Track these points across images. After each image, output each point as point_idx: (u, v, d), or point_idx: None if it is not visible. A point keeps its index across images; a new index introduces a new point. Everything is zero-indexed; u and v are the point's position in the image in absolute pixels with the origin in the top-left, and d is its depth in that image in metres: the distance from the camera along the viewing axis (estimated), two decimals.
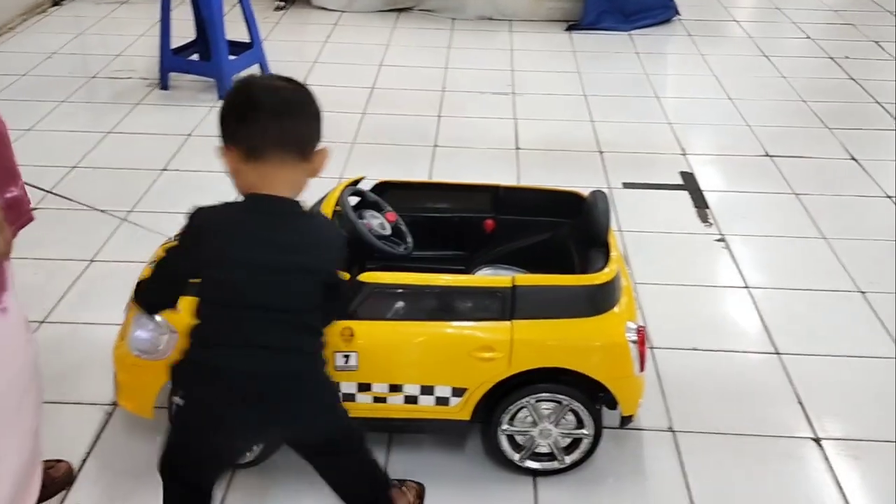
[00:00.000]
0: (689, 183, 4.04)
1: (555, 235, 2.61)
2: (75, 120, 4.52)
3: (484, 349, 2.16)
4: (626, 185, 4.00)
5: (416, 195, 2.72)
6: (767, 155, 4.35)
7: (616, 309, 2.22)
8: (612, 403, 2.29)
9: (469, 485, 2.33)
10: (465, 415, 2.26)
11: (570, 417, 2.27)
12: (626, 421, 2.34)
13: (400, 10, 6.50)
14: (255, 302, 1.66)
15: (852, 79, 5.42)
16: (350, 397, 2.22)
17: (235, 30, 4.96)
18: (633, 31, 6.16)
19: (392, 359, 2.20)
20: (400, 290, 2.18)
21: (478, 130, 4.52)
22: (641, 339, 2.21)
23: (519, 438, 2.31)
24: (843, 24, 6.53)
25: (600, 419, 2.28)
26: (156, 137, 4.33)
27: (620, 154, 4.31)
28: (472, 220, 2.69)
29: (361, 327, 2.15)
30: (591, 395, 2.25)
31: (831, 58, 5.79)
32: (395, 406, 2.25)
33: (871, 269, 3.35)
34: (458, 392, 2.22)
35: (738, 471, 2.40)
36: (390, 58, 5.59)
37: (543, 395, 2.22)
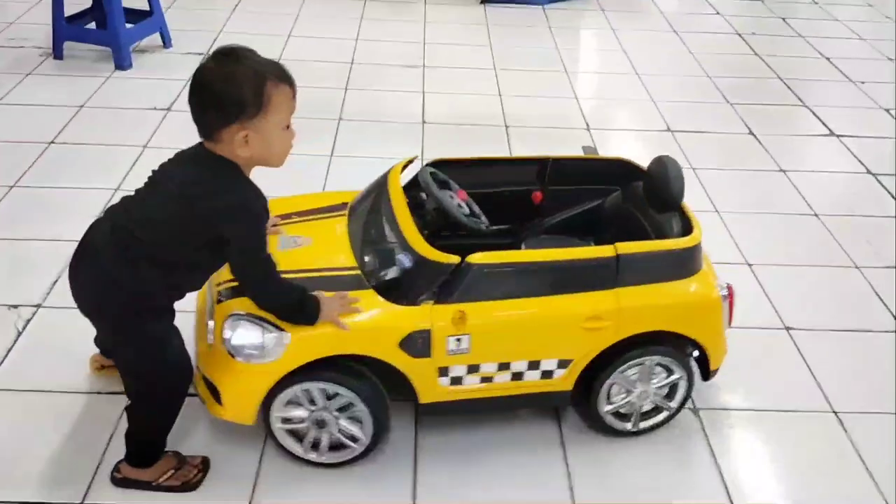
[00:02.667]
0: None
1: (606, 203, 2.67)
2: None
3: (593, 319, 2.20)
4: None
5: (466, 171, 2.65)
6: (669, 130, 4.42)
7: (705, 268, 2.33)
8: (699, 361, 2.41)
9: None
10: (568, 385, 2.32)
11: (659, 370, 2.35)
12: (710, 375, 2.44)
13: None
14: None
15: (756, 54, 5.53)
16: (458, 380, 2.22)
17: None
18: (547, 6, 6.16)
19: (503, 338, 2.21)
20: (508, 269, 2.18)
21: (385, 104, 4.46)
22: (731, 294, 2.33)
23: (624, 410, 2.39)
24: (754, 1, 6.65)
25: (689, 366, 2.36)
26: (46, 109, 4.15)
27: (526, 128, 4.31)
28: (521, 193, 2.71)
29: (472, 309, 2.13)
30: (681, 350, 2.34)
31: (739, 34, 5.90)
32: (501, 384, 2.27)
33: (761, 243, 3.44)
34: (563, 364, 2.27)
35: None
36: (300, 28, 5.47)
37: (642, 358, 2.28)
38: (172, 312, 2.08)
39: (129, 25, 4.66)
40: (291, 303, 2.04)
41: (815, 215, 3.67)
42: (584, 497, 2.26)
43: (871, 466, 2.41)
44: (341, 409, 2.18)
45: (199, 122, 1.87)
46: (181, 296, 2.09)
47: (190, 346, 2.16)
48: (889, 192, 3.89)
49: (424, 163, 2.57)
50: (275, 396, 2.14)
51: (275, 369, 2.08)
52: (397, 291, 2.14)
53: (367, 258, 2.26)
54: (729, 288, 2.32)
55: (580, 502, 2.25)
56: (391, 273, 2.18)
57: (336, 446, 2.25)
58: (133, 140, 3.90)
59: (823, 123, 4.58)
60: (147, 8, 4.82)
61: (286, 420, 2.19)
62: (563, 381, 2.29)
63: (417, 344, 2.11)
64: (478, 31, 5.66)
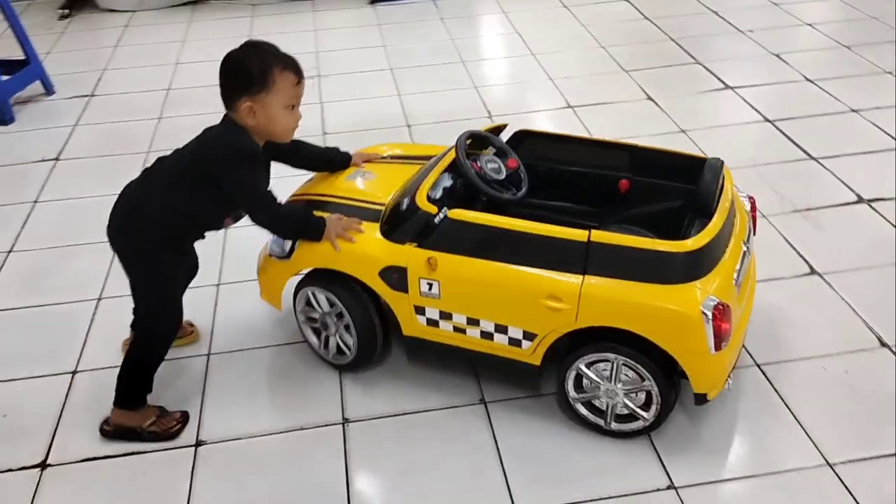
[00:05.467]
0: None
1: (684, 203, 2.53)
2: None
3: (552, 298, 2.21)
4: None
5: (555, 147, 2.75)
6: (569, 106, 4.42)
7: (697, 282, 2.13)
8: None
9: None
10: (536, 360, 2.36)
11: (641, 396, 2.29)
12: (699, 399, 2.27)
13: (195, 3, 6.21)
14: None
15: (647, 18, 5.59)
16: (434, 322, 2.42)
17: (10, 47, 4.58)
18: None
19: (469, 292, 2.33)
20: (480, 229, 2.27)
21: None
22: (718, 315, 2.09)
23: (585, 382, 2.36)
24: None
25: (667, 409, 2.27)
26: None
27: (428, 125, 4.27)
28: (607, 178, 2.67)
29: (444, 259, 2.30)
30: (668, 369, 2.23)
31: (628, 1, 5.95)
32: (474, 339, 2.40)
33: None
34: (528, 336, 2.31)
35: None
36: (187, 54, 5.32)
37: (625, 359, 2.23)
38: (186, 254, 2.55)
39: (4, 78, 4.48)
40: (295, 227, 2.48)
41: None
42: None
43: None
44: (339, 317, 2.55)
45: (221, 95, 2.29)
46: (195, 234, 2.51)
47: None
48: (788, 138, 3.97)
49: (513, 132, 2.74)
50: (297, 296, 2.61)
51: (288, 267, 2.56)
52: (390, 229, 2.41)
53: (393, 198, 2.52)
54: (717, 309, 2.09)
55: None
56: (394, 213, 2.44)
57: (340, 351, 2.64)
58: (23, 196, 3.74)
59: (718, 78, 4.64)
60: (23, 57, 4.63)
61: (308, 319, 2.65)
62: (531, 354, 2.34)
63: (394, 278, 2.37)
64: (370, 33, 5.59)
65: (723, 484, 2.24)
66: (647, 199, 2.62)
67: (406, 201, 2.40)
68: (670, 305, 2.11)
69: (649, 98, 4.46)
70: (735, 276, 2.24)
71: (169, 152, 2.40)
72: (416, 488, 2.29)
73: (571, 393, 2.38)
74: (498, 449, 2.38)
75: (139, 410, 2.47)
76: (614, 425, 2.36)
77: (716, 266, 2.18)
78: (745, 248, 2.35)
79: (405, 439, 2.44)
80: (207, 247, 2.69)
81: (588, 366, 2.30)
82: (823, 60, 4.79)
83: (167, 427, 2.49)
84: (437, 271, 2.31)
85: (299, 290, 2.61)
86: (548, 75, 4.82)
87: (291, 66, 2.27)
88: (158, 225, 2.34)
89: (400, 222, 2.39)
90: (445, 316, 2.39)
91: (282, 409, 2.59)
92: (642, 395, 2.29)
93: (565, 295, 2.18)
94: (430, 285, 2.34)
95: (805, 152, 3.82)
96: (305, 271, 2.59)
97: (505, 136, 2.72)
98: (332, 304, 2.55)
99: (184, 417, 2.55)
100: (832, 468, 2.26)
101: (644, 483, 2.25)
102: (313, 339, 2.69)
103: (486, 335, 2.37)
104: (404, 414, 2.52)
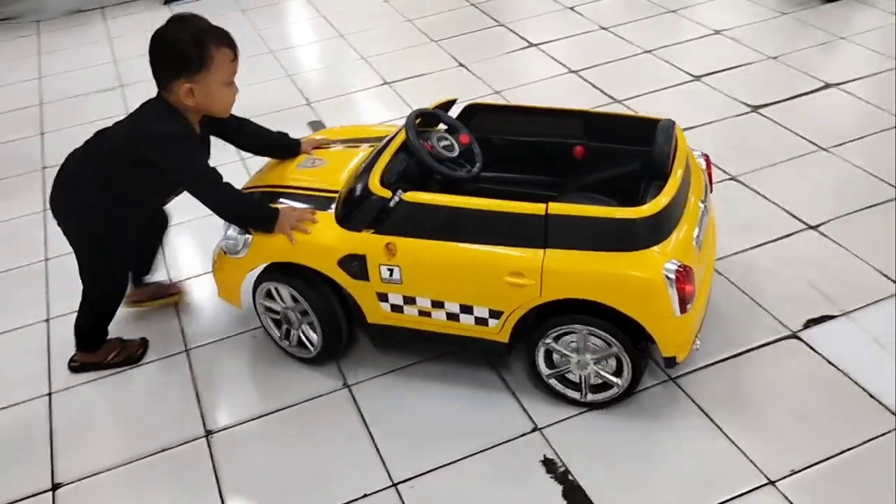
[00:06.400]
0: (320, 130, 4.02)
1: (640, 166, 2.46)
2: None
3: (515, 274, 2.17)
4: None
5: (507, 119, 2.68)
6: (386, 83, 4.46)
7: (656, 247, 2.10)
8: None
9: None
10: (504, 337, 2.33)
11: (612, 362, 2.28)
12: (668, 363, 2.26)
13: None
14: None
15: None
16: (398, 308, 2.37)
17: None
18: None
19: (431, 276, 2.28)
20: (437, 210, 2.22)
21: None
22: (681, 278, 2.07)
23: (555, 357, 2.34)
24: None
25: (640, 372, 2.27)
26: None
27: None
28: (562, 146, 2.61)
29: (403, 243, 2.25)
30: (635, 340, 2.21)
31: None
32: (440, 321, 2.35)
33: None
34: (494, 314, 2.28)
35: None
36: None
37: (591, 328, 2.21)
38: (129, 228, 2.50)
39: None
40: (244, 211, 2.42)
41: None
42: None
43: None
44: (303, 314, 2.49)
45: (154, 75, 2.24)
46: (135, 209, 2.49)
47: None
48: (593, 85, 4.19)
49: (463, 105, 2.69)
50: (257, 288, 2.54)
51: (243, 263, 2.48)
52: (345, 216, 2.35)
53: (347, 184, 2.45)
54: (679, 272, 2.07)
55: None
56: (349, 199, 2.37)
57: (302, 344, 2.58)
58: None
59: (521, 37, 4.81)
60: None
61: (267, 309, 2.58)
62: (499, 331, 2.32)
63: (354, 266, 2.32)
64: None
65: (581, 415, 2.38)
66: (604, 165, 2.57)
67: (360, 187, 2.33)
68: (632, 272, 2.09)
69: (461, 65, 4.57)
70: (695, 236, 2.23)
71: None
72: (293, 481, 2.28)
73: (544, 370, 2.36)
74: (368, 429, 2.41)
75: (99, 350, 2.68)
76: (590, 396, 2.35)
77: (675, 228, 2.16)
78: (702, 207, 2.33)
79: (273, 438, 2.42)
80: None
81: (556, 339, 2.29)
82: (613, 8, 5.07)
83: (130, 354, 2.71)
84: (397, 256, 2.26)
85: (259, 284, 2.53)
86: (360, 55, 4.82)
87: (226, 41, 2.23)
88: (97, 203, 2.38)
89: (355, 209, 2.32)
90: (409, 301, 2.34)
91: (134, 437, 2.49)
92: (613, 363, 2.28)
93: (527, 270, 2.15)
94: (391, 271, 2.29)
95: (610, 97, 4.05)
96: (262, 266, 2.51)
97: (454, 112, 2.66)
98: (295, 300, 2.48)
99: (143, 343, 2.75)
100: (674, 381, 2.45)
101: (511, 431, 2.35)
102: (274, 330, 2.63)
103: (452, 316, 2.33)
104: (269, 414, 2.49)
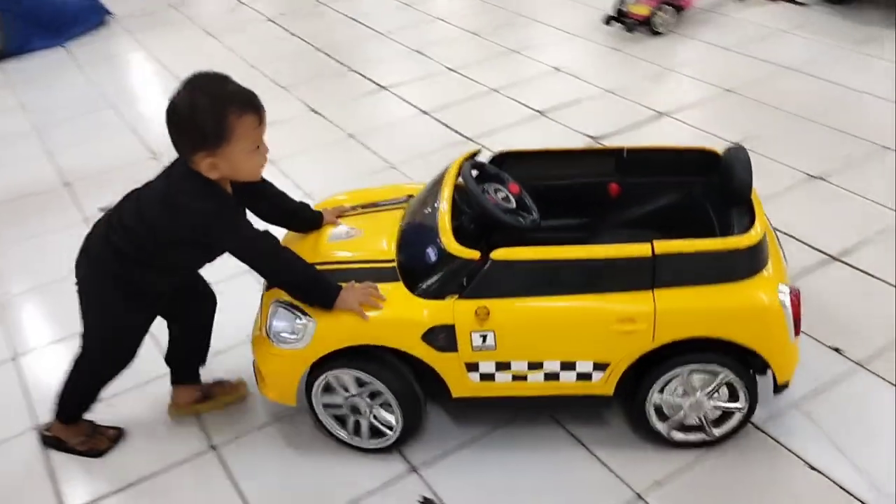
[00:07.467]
0: None
1: (687, 196, 2.45)
2: None
3: (624, 321, 2.06)
4: (104, 210, 3.72)
5: (536, 164, 2.57)
6: None
7: (765, 272, 2.08)
8: (764, 368, 2.18)
9: None
10: (608, 389, 2.20)
11: (724, 391, 2.19)
12: (780, 389, 2.21)
13: None
14: None
15: (295, 35, 5.70)
16: (489, 377, 2.19)
17: None
18: (68, 43, 5.73)
19: (530, 336, 2.13)
20: (532, 265, 2.08)
21: None
22: (795, 301, 2.06)
23: (666, 410, 2.23)
24: None
25: (755, 390, 2.19)
26: None
27: (91, 180, 4.01)
28: (596, 186, 2.54)
29: (496, 306, 2.09)
30: (743, 362, 2.14)
31: (272, 20, 6.02)
32: (536, 384, 2.20)
33: None
34: (599, 367, 2.15)
35: None
36: None
37: (694, 365, 2.12)
38: (148, 304, 2.26)
39: None
40: (301, 281, 2.16)
41: (392, 167, 3.92)
42: None
43: None
44: (373, 397, 2.25)
45: (174, 146, 2.03)
46: (165, 283, 2.24)
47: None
48: (444, 125, 4.28)
49: (489, 157, 2.56)
50: (314, 381, 2.24)
51: (306, 355, 2.19)
52: (423, 285, 2.15)
53: (404, 251, 2.28)
54: (793, 292, 2.09)
55: None
56: (420, 266, 2.18)
57: (377, 433, 2.33)
58: None
59: (372, 81, 4.88)
60: None
61: (327, 405, 2.30)
62: (603, 384, 2.19)
63: (440, 338, 2.13)
64: (1, 94, 5.08)
65: (455, 453, 2.38)
66: (640, 200, 2.55)
67: (432, 252, 2.16)
68: (750, 301, 2.07)
69: (313, 111, 4.57)
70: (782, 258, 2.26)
71: None
72: None
73: (662, 427, 2.26)
74: (240, 491, 2.32)
75: (70, 426, 2.45)
76: (716, 431, 2.27)
77: (770, 253, 2.17)
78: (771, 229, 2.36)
79: None
80: None
81: (660, 392, 2.20)
82: (458, 49, 5.24)
83: (94, 445, 2.47)
84: (490, 321, 2.09)
85: (314, 379, 2.24)
86: None
87: (249, 105, 1.99)
88: (120, 275, 2.16)
89: (432, 276, 2.14)
90: (503, 367, 2.17)
91: None
92: (725, 391, 2.21)
93: (639, 315, 2.06)
94: (484, 337, 2.11)
95: (461, 135, 4.16)
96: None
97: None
98: (361, 384, 2.24)
99: (115, 436, 2.50)
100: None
101: (388, 473, 2.33)
102: (340, 431, 2.35)
103: (551, 376, 2.18)
104: (131, 486, 2.36)
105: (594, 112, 4.28)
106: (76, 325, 2.28)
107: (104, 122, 4.63)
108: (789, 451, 2.29)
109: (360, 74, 4.97)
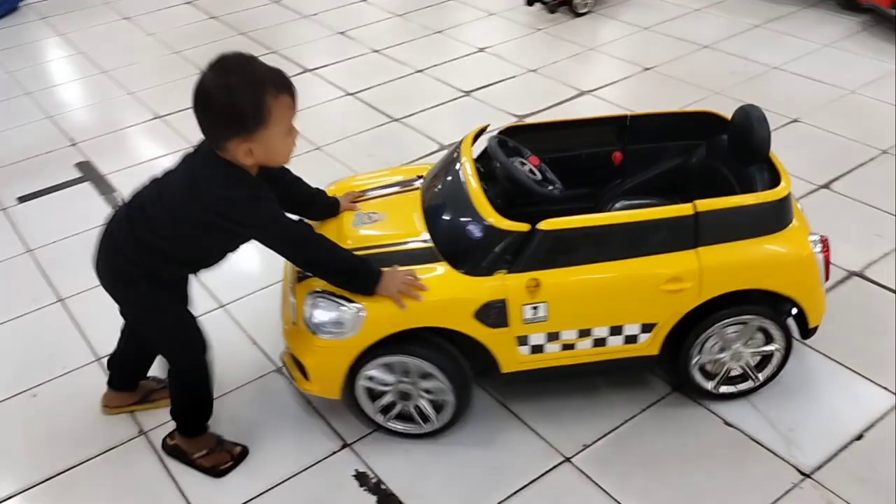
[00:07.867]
0: (89, 172, 3.83)
1: (698, 158, 2.51)
2: None
3: (673, 281, 2.12)
4: (23, 199, 3.65)
5: (541, 136, 2.59)
6: (158, 117, 4.31)
7: (796, 222, 2.21)
8: (795, 316, 2.30)
9: None
10: (654, 349, 2.26)
11: (759, 335, 2.27)
12: (809, 333, 2.33)
13: None
14: None
15: (214, 17, 5.59)
16: (538, 349, 2.22)
17: None
18: None
19: (580, 304, 2.17)
20: (579, 234, 2.11)
21: None
22: (825, 247, 2.21)
23: (709, 367, 2.31)
24: None
25: (789, 331, 2.29)
26: None
27: (5, 169, 3.89)
28: (600, 154, 2.59)
29: (547, 277, 2.11)
30: (777, 309, 2.25)
31: (189, 2, 5.89)
32: (584, 351, 2.24)
33: None
34: (647, 328, 2.22)
35: None
36: None
37: (730, 319, 2.20)
38: (180, 294, 2.20)
39: None
40: (343, 268, 2.11)
41: (318, 148, 3.90)
42: None
43: None
44: (424, 378, 2.22)
45: (204, 133, 1.94)
46: (189, 271, 2.20)
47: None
48: (370, 106, 4.28)
49: (497, 130, 2.52)
50: (360, 368, 2.19)
51: (355, 344, 2.14)
52: (470, 262, 2.14)
53: (439, 230, 2.26)
54: (823, 240, 2.23)
55: None
56: (463, 244, 2.17)
57: (406, 417, 2.31)
58: None
59: (297, 63, 4.83)
60: None
61: (370, 378, 2.23)
62: (648, 345, 2.26)
63: (493, 314, 2.13)
64: None
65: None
66: (645, 166, 2.62)
67: (477, 227, 2.14)
68: (786, 253, 2.19)
69: None
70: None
71: None
72: None
73: (709, 385, 2.36)
74: (172, 476, 2.32)
75: (194, 438, 2.32)
76: (761, 375, 2.37)
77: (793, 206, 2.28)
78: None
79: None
80: None
81: (699, 351, 2.28)
82: (382, 31, 5.22)
83: (217, 463, 2.30)
84: (541, 292, 2.11)
85: (358, 370, 2.19)
86: (126, 90, 4.63)
87: (283, 86, 1.90)
88: (151, 272, 2.08)
89: (478, 252, 2.13)
90: (553, 337, 2.21)
91: None
92: (760, 336, 2.30)
93: (685, 274, 2.13)
94: (536, 309, 2.13)
95: (387, 115, 4.16)
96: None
97: (486, 137, 2.52)
98: (405, 371, 2.21)
99: (241, 455, 2.33)
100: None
101: (322, 450, 2.35)
102: (368, 404, 2.29)
103: (599, 342, 2.24)
104: (54, 476, 2.33)
105: (518, 91, 4.33)
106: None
107: (20, 109, 4.48)
108: (708, 410, 2.40)
109: (285, 57, 4.92)
